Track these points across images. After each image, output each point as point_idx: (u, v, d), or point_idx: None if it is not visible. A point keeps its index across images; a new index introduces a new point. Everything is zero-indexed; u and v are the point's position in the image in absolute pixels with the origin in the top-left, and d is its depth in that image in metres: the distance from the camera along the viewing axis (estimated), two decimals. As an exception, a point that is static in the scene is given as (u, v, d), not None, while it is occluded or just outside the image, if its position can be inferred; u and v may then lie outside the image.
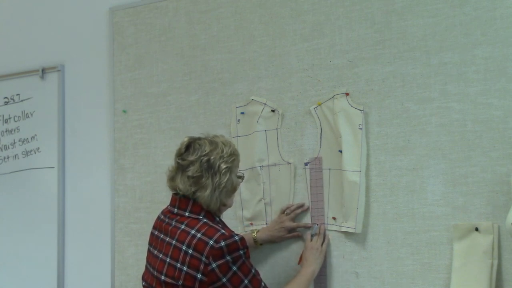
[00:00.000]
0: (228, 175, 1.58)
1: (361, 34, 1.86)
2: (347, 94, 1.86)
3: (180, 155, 1.59)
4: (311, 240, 1.83)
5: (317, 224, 1.85)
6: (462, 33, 1.73)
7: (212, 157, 1.56)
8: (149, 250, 1.66)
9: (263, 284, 1.55)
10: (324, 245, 1.82)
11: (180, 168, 1.58)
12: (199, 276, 1.46)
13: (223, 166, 1.57)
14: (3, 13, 2.65)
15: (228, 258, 1.47)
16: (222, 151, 1.58)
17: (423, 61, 1.77)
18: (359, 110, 1.83)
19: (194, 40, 2.15)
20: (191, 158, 1.56)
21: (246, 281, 1.50)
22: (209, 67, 2.11)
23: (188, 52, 2.16)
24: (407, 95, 1.78)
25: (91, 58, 2.40)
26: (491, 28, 1.69)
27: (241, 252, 1.50)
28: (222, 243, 1.47)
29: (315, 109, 1.91)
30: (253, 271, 1.53)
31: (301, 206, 1.90)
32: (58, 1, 2.51)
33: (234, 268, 1.48)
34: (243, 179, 1.71)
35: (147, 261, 1.65)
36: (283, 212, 1.92)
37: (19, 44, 2.59)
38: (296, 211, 1.89)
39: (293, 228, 1.88)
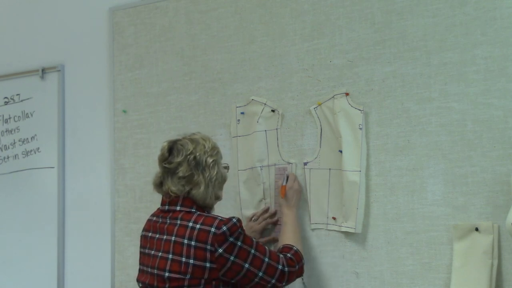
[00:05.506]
0: (216, 168, 1.63)
1: (361, 34, 1.86)
2: (347, 94, 1.86)
3: (165, 159, 1.61)
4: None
5: (287, 174, 1.89)
6: (462, 33, 1.73)
7: (197, 154, 1.60)
8: (142, 253, 1.67)
9: (266, 248, 1.58)
10: (297, 185, 1.85)
11: (169, 171, 1.60)
12: (208, 265, 1.48)
13: (210, 160, 1.61)
14: (3, 13, 2.65)
15: (231, 239, 1.50)
16: (205, 147, 1.62)
17: (423, 61, 1.77)
18: (359, 110, 1.83)
19: (194, 40, 2.15)
20: (178, 159, 1.59)
21: (252, 251, 1.53)
22: (209, 67, 2.11)
23: (188, 52, 2.16)
24: (407, 95, 1.78)
25: (91, 58, 2.40)
26: (491, 28, 1.69)
27: (240, 230, 1.53)
28: (224, 228, 1.50)
29: (315, 109, 1.91)
30: (254, 240, 1.57)
31: (267, 210, 1.93)
32: (58, 1, 2.51)
33: (239, 243, 1.51)
34: (228, 169, 1.75)
35: (142, 264, 1.66)
36: (250, 219, 1.94)
37: (19, 44, 2.59)
38: (263, 215, 1.92)
39: (263, 229, 1.91)
